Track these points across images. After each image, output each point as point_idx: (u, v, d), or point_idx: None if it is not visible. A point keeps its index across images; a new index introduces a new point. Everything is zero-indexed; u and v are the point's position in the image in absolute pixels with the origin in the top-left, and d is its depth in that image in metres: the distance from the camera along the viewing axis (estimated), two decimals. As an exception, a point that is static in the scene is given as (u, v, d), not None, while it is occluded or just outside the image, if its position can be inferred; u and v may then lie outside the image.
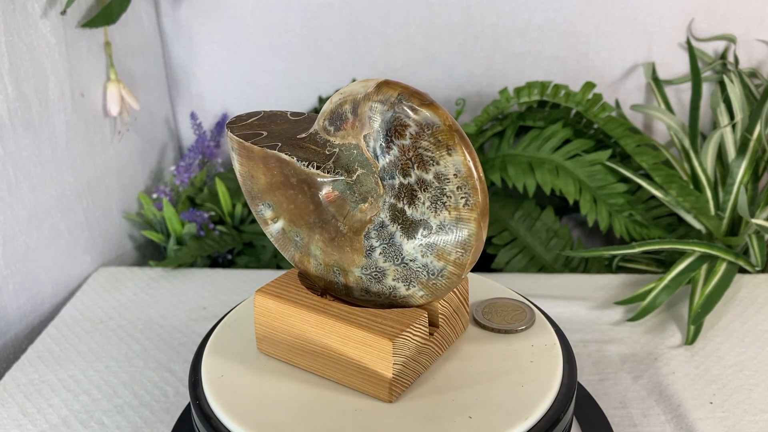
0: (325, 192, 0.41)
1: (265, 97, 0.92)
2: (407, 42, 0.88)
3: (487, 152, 0.84)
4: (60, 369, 0.60)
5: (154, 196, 0.82)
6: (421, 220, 0.37)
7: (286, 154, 0.40)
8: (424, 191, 0.37)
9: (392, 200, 0.38)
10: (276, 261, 0.81)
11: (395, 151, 0.37)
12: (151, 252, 0.88)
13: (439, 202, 0.36)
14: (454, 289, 0.41)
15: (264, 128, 0.43)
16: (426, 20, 0.86)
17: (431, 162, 0.36)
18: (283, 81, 0.91)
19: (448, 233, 0.37)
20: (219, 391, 0.41)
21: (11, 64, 0.64)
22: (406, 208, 0.38)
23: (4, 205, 0.64)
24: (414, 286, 0.39)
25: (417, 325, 0.40)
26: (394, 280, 0.40)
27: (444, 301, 0.41)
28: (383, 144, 0.37)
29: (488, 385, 0.40)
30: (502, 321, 0.46)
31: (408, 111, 0.36)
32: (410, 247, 0.38)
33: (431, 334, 0.41)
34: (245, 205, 0.86)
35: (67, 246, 0.73)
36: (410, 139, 0.36)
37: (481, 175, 0.36)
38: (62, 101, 0.71)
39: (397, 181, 0.37)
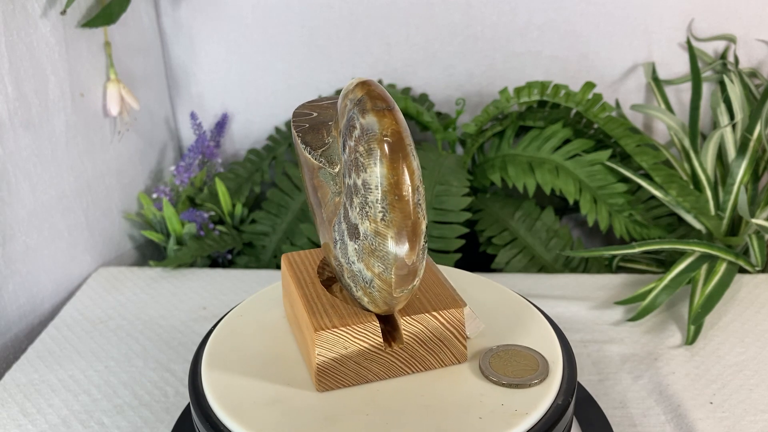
0: (315, 179, 0.42)
1: (265, 97, 0.92)
2: (407, 42, 0.88)
3: (487, 152, 0.84)
4: (60, 369, 0.60)
5: (154, 196, 0.82)
6: (355, 224, 0.38)
7: (298, 135, 0.42)
8: (357, 195, 0.37)
9: (344, 198, 0.39)
10: (276, 261, 0.81)
11: (347, 150, 0.37)
12: (151, 252, 0.88)
13: (363, 210, 0.36)
14: (438, 315, 0.41)
15: (320, 109, 0.44)
16: (426, 20, 0.86)
17: (362, 168, 0.36)
18: (283, 81, 0.91)
19: (370, 244, 0.37)
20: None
21: (11, 64, 0.64)
22: (348, 208, 0.38)
23: (4, 205, 0.64)
24: (359, 290, 0.40)
25: (359, 329, 0.40)
26: (348, 278, 0.40)
27: (412, 319, 0.40)
28: (343, 141, 0.38)
29: (424, 414, 0.39)
30: (507, 371, 0.42)
31: (359, 113, 0.35)
32: (351, 248, 0.39)
33: (389, 346, 0.41)
34: (245, 205, 0.86)
35: (67, 246, 0.72)
36: (354, 141, 0.36)
37: (406, 194, 0.35)
38: (62, 101, 0.71)
39: (347, 180, 0.38)
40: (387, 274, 0.37)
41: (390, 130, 0.35)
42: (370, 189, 0.35)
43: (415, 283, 0.38)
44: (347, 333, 0.40)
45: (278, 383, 0.42)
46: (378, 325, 0.40)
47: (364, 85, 0.36)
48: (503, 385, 0.40)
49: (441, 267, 0.51)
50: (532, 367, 0.41)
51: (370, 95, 0.35)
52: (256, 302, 0.49)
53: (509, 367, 0.41)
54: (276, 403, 0.40)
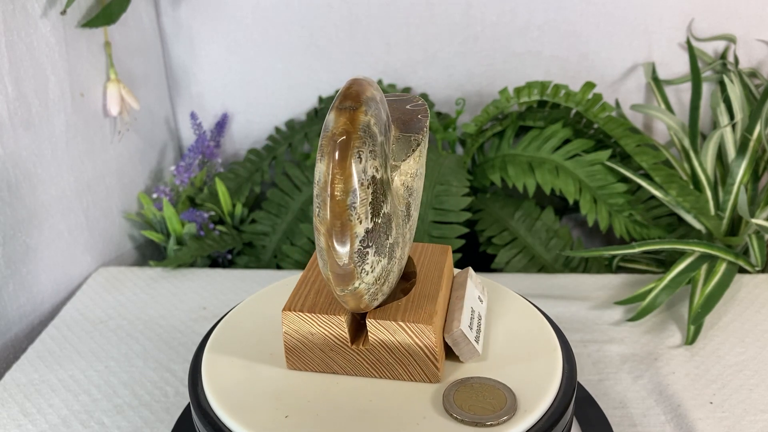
0: None
1: (265, 97, 0.92)
2: (407, 42, 0.88)
3: (487, 152, 0.84)
4: (60, 369, 0.60)
5: (154, 196, 0.82)
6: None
7: None
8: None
9: None
10: (276, 261, 0.81)
11: None
12: (151, 252, 0.88)
13: (314, 202, 0.37)
14: (406, 327, 0.40)
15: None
16: (426, 20, 0.86)
17: (318, 161, 0.36)
18: (283, 81, 0.91)
19: (315, 237, 0.37)
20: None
21: (11, 64, 0.64)
22: None
23: (4, 205, 0.64)
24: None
25: (325, 319, 0.41)
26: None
27: (379, 323, 0.40)
28: None
29: (359, 419, 0.39)
30: (470, 406, 0.39)
31: (330, 108, 0.36)
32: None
33: (352, 343, 0.41)
34: (245, 205, 0.86)
35: (67, 246, 0.72)
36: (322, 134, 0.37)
37: (338, 195, 0.35)
38: (62, 101, 0.71)
39: None
40: (326, 271, 0.38)
41: (341, 129, 0.35)
42: (315, 183, 0.36)
43: (356, 285, 0.37)
44: (312, 320, 0.41)
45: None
46: (343, 320, 0.41)
47: (351, 82, 0.37)
48: (461, 421, 0.38)
49: (495, 280, 0.50)
50: (498, 404, 0.39)
51: (344, 93, 0.36)
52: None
53: (473, 402, 0.39)
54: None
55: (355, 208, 0.35)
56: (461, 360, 0.42)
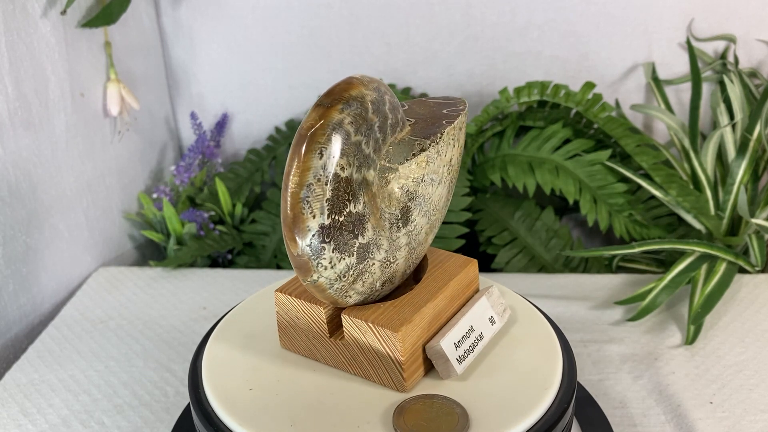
0: None
1: (265, 97, 0.92)
2: (407, 42, 0.88)
3: (487, 152, 0.84)
4: (60, 369, 0.60)
5: (154, 196, 0.82)
6: None
7: None
8: None
9: None
10: (276, 261, 0.81)
11: None
12: (151, 252, 0.88)
13: None
14: (374, 330, 0.40)
15: (414, 105, 0.46)
16: (426, 20, 0.86)
17: None
18: (283, 81, 0.91)
19: None
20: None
21: (11, 64, 0.64)
22: None
23: (4, 205, 0.64)
24: None
25: (308, 306, 0.42)
26: None
27: (351, 320, 0.40)
28: None
29: (311, 411, 0.40)
30: (419, 427, 0.37)
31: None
32: None
33: (330, 336, 0.42)
34: (245, 205, 0.86)
35: (67, 246, 0.72)
36: None
37: (292, 186, 0.36)
38: (62, 101, 0.71)
39: None
40: (290, 258, 0.38)
41: (309, 123, 0.36)
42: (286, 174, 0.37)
43: (314, 278, 0.38)
44: (298, 306, 0.42)
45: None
46: (323, 311, 0.41)
47: (344, 79, 0.37)
48: None
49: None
50: (446, 428, 0.37)
51: (329, 89, 0.37)
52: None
53: (423, 420, 0.38)
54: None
55: (308, 202, 0.36)
56: (440, 376, 0.41)
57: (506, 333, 0.45)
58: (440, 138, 0.42)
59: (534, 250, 0.77)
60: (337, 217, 0.37)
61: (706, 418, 0.52)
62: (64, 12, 0.69)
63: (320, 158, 0.36)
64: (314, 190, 0.36)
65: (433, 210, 0.43)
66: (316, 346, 0.43)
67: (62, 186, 0.71)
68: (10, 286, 0.65)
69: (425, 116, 0.43)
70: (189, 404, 0.50)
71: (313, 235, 0.37)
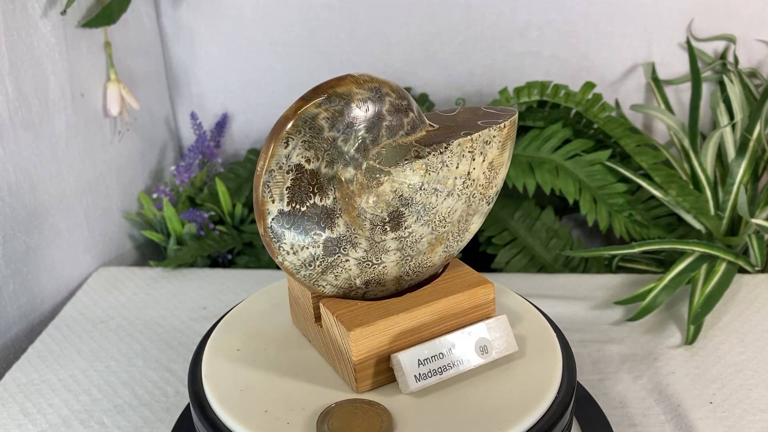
0: None
1: (265, 96, 0.92)
2: (407, 42, 0.88)
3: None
4: (60, 369, 0.60)
5: (154, 196, 0.82)
6: None
7: None
8: None
9: None
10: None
11: None
12: (151, 252, 0.88)
13: None
14: (336, 322, 0.40)
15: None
16: (426, 20, 0.86)
17: None
18: (283, 81, 0.91)
19: None
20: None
21: (11, 64, 0.64)
22: None
23: (4, 205, 0.64)
24: None
25: (302, 288, 0.43)
26: None
27: (322, 306, 0.41)
28: None
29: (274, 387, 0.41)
30: (338, 427, 0.38)
31: None
32: None
33: (316, 321, 0.43)
34: (245, 205, 0.86)
35: (67, 246, 0.73)
36: None
37: (258, 170, 0.37)
38: (62, 101, 0.71)
39: None
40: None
41: (286, 114, 0.37)
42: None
43: (279, 260, 0.39)
44: (296, 285, 0.44)
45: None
46: (309, 294, 0.43)
47: (340, 76, 0.38)
48: None
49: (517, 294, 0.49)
50: (373, 429, 0.37)
51: (319, 84, 0.38)
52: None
53: (347, 423, 0.38)
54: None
55: (269, 187, 0.37)
56: (401, 389, 0.40)
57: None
58: (445, 148, 0.40)
59: (534, 250, 0.77)
60: (298, 207, 0.38)
61: (705, 418, 0.52)
62: (64, 12, 0.69)
63: (285, 147, 0.37)
64: (275, 176, 0.37)
65: (439, 221, 0.42)
66: (308, 327, 0.45)
67: (62, 186, 0.71)
68: (10, 286, 0.65)
69: (457, 124, 0.42)
70: (189, 404, 0.50)
71: (273, 219, 0.38)
